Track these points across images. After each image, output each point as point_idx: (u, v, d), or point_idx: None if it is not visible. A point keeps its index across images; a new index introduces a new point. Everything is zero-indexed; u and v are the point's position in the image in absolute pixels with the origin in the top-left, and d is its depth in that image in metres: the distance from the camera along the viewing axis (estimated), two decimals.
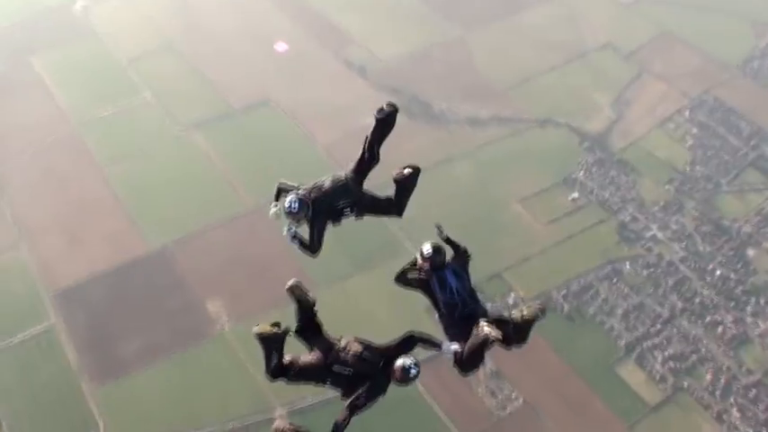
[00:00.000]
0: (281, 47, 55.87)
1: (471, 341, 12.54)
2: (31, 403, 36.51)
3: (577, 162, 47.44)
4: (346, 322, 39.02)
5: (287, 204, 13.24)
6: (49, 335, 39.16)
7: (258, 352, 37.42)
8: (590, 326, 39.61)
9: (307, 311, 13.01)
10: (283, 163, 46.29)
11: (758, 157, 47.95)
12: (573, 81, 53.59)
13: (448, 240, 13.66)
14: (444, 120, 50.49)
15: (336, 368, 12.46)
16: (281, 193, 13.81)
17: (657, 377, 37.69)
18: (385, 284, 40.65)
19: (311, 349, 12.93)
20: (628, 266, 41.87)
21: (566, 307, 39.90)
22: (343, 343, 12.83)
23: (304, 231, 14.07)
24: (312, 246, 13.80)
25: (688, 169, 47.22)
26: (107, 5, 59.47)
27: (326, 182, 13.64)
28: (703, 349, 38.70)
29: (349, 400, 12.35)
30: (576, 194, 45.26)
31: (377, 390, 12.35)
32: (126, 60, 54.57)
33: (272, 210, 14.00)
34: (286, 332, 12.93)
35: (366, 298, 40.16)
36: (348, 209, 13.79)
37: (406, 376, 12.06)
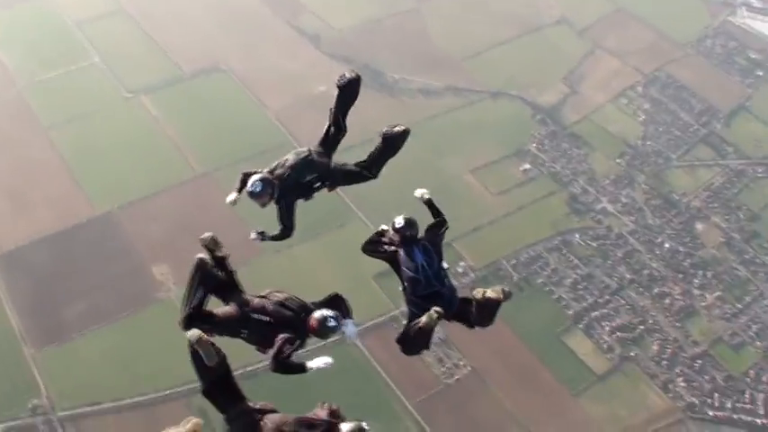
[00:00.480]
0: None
1: (414, 326, 12.07)
2: None
3: (529, 134, 47.44)
4: (292, 289, 38.81)
5: (249, 186, 12.37)
6: None
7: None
8: (538, 295, 39.64)
9: (221, 266, 12.21)
10: (233, 129, 45.74)
11: (708, 133, 48.47)
12: (527, 54, 53.51)
13: (430, 204, 13.15)
14: (397, 89, 50.15)
15: (256, 316, 11.67)
16: (246, 180, 12.84)
17: (605, 347, 37.85)
18: (333, 252, 40.55)
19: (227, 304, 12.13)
20: (577, 238, 42.00)
21: (514, 276, 39.87)
22: (263, 293, 11.89)
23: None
24: (285, 230, 12.93)
25: (639, 144, 47.53)
26: None
27: (289, 157, 12.87)
28: (651, 320, 38.97)
29: (273, 351, 11.61)
30: (527, 166, 45.24)
31: (297, 338, 11.67)
32: (74, 23, 53.19)
33: (231, 196, 12.80)
34: (217, 277, 12.11)
35: (313, 265, 39.71)
36: (318, 183, 13.04)
37: (323, 327, 11.38)
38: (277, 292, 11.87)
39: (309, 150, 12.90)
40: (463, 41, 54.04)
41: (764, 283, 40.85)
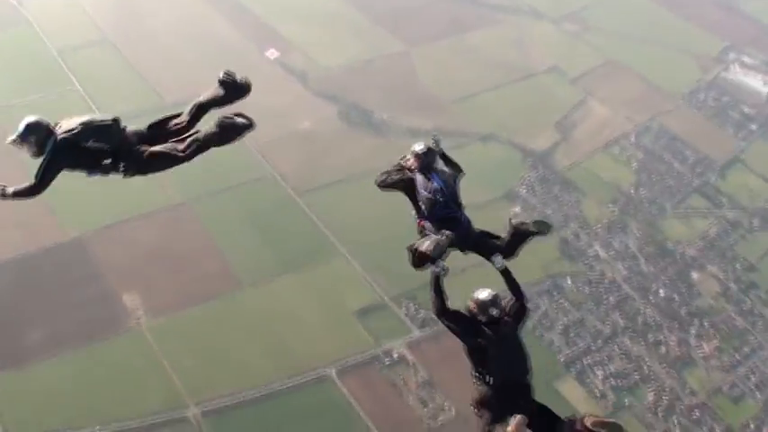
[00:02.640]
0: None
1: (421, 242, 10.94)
2: None
3: (519, 178, 46.08)
4: (271, 322, 36.75)
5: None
6: None
7: (174, 349, 34.29)
8: (529, 339, 37.40)
9: None
10: (214, 159, 43.39)
11: (703, 183, 47.47)
12: (518, 100, 52.56)
13: (443, 156, 11.84)
14: (385, 129, 48.81)
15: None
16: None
17: (598, 394, 35.92)
18: (314, 288, 38.64)
19: None
20: (569, 282, 40.33)
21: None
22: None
23: None
24: (33, 186, 10.59)
25: (633, 191, 46.25)
26: None
27: (89, 117, 10.73)
28: (646, 368, 37.12)
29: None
30: (517, 209, 43.68)
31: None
32: (57, 50, 51.95)
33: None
34: None
35: (293, 301, 37.91)
36: (106, 159, 10.60)
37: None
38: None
39: (115, 121, 10.57)
40: (453, 85, 53.13)
41: (763, 333, 39.18)
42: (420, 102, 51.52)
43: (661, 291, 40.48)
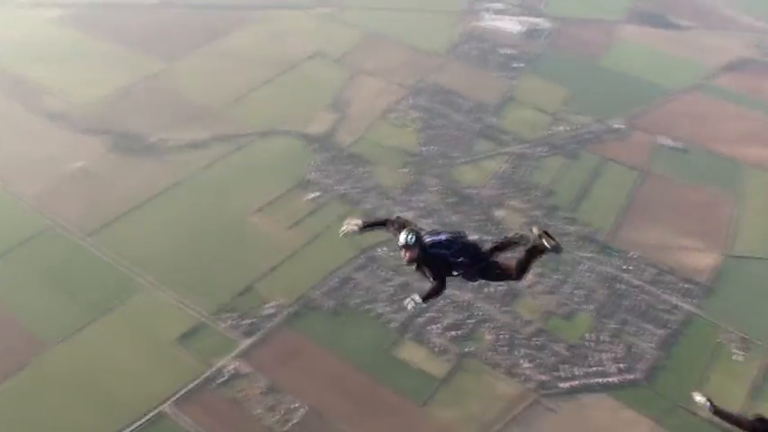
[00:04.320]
0: None
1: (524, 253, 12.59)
2: None
3: (307, 164, 45.49)
4: (90, 375, 34.08)
5: None
6: None
7: None
8: (358, 316, 36.99)
9: None
10: None
11: (484, 127, 48.60)
12: (288, 91, 52.14)
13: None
14: (163, 149, 46.92)
15: None
16: None
17: (439, 350, 35.51)
18: (125, 327, 36.21)
19: None
20: (383, 251, 39.83)
21: (329, 303, 37.11)
22: None
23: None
24: None
25: (422, 150, 46.58)
26: None
27: None
28: (478, 312, 37.13)
29: None
30: (313, 194, 43.01)
31: None
32: None
33: None
34: None
35: (107, 345, 35.34)
36: None
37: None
38: None
39: None
40: (221, 91, 52.20)
41: (576, 250, 40.20)
42: (192, 114, 49.95)
43: (471, 235, 40.65)
